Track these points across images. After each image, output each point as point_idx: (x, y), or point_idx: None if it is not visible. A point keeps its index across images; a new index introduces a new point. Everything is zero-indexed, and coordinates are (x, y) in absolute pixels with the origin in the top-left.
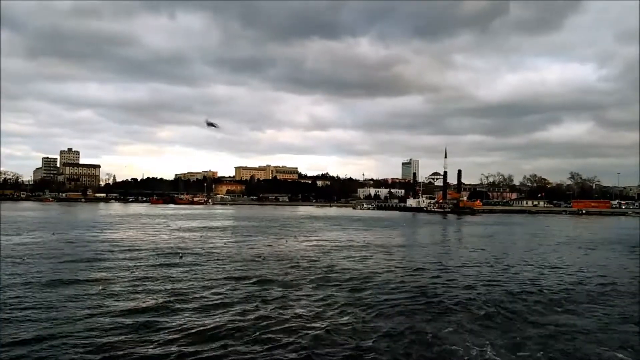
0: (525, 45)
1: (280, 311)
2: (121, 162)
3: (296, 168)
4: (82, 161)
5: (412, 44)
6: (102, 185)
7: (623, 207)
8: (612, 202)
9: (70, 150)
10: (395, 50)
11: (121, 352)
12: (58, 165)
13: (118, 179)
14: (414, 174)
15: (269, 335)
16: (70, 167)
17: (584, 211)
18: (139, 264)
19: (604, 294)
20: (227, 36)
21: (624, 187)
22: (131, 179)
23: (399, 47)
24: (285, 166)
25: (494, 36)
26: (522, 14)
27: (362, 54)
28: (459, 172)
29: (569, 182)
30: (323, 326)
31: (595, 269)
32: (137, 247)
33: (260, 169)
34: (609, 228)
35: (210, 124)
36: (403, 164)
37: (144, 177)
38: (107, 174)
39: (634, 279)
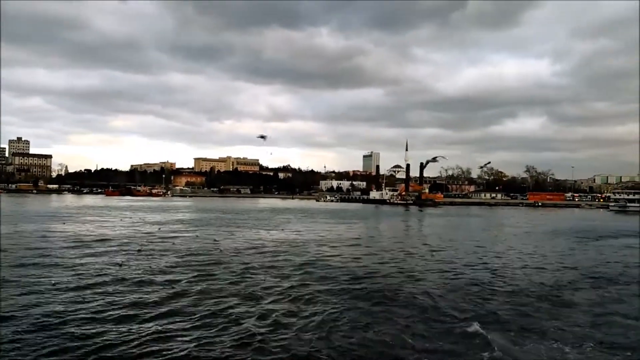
0: (484, 39)
1: (221, 300)
2: (74, 153)
3: (257, 160)
4: (32, 151)
5: (373, 35)
6: (54, 176)
7: (576, 199)
8: (566, 194)
9: (19, 139)
10: (356, 41)
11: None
12: (7, 155)
13: (71, 170)
14: (377, 167)
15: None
16: (20, 157)
17: (539, 203)
18: (93, 259)
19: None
20: (181, 22)
21: (575, 181)
22: (85, 169)
23: (360, 38)
24: (246, 158)
25: (453, 30)
26: (480, 8)
27: (322, 44)
28: (422, 164)
29: (524, 175)
30: (258, 314)
31: (557, 259)
32: (91, 241)
33: (221, 160)
34: (566, 219)
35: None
36: (364, 156)
37: (98, 168)
38: (60, 164)
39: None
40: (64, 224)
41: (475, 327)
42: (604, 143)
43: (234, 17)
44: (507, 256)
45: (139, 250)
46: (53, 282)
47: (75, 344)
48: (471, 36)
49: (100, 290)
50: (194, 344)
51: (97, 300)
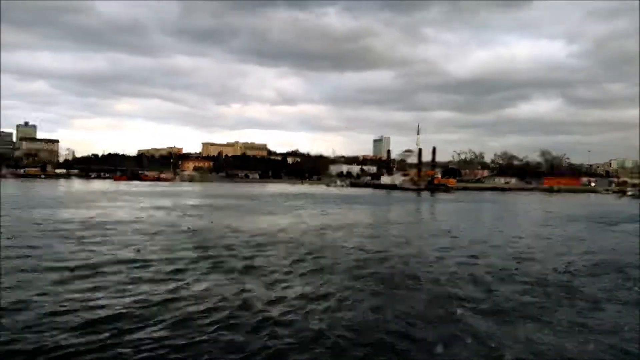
0: (496, 20)
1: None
2: (80, 137)
3: (265, 144)
4: (39, 135)
5: (382, 15)
6: (62, 161)
7: (593, 184)
8: (582, 179)
9: (26, 124)
10: (364, 21)
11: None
12: (14, 139)
13: (78, 155)
14: (388, 151)
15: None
16: (28, 142)
17: (556, 188)
18: (111, 244)
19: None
20: (186, 4)
21: (591, 165)
22: (92, 154)
23: (368, 18)
24: (254, 142)
25: (465, 10)
26: None
27: (330, 25)
28: (434, 149)
29: (539, 159)
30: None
31: (576, 247)
32: (106, 226)
33: (228, 145)
34: (585, 205)
35: None
36: (374, 140)
37: (106, 153)
38: (67, 149)
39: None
40: (76, 208)
41: (475, 314)
42: (619, 126)
43: None
44: (523, 243)
45: (154, 234)
46: (72, 266)
47: (95, 317)
48: (482, 16)
49: (121, 274)
50: (212, 327)
51: (118, 281)
